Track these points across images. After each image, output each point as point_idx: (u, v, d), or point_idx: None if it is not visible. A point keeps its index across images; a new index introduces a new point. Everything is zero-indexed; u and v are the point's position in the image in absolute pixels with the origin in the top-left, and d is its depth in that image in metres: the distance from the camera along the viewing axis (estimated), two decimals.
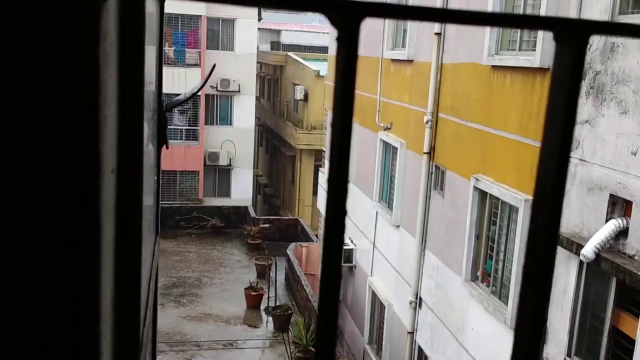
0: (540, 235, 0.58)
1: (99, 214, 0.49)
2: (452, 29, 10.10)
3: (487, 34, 8.71)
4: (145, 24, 0.77)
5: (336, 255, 0.53)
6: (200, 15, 25.66)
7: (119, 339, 0.71)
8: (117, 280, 0.69)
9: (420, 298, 11.11)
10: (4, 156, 0.49)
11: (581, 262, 6.61)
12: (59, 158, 0.47)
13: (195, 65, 25.83)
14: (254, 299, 18.02)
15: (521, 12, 8.20)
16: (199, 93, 25.61)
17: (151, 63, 1.51)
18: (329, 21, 0.54)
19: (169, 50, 25.52)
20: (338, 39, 0.55)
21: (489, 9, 8.66)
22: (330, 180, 0.58)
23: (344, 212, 0.55)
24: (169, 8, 25.76)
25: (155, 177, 1.76)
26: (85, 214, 0.50)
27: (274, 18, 44.77)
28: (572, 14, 6.89)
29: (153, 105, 1.60)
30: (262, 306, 18.09)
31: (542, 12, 7.45)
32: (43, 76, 0.46)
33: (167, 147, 1.83)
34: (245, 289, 18.25)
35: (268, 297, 17.95)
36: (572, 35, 0.56)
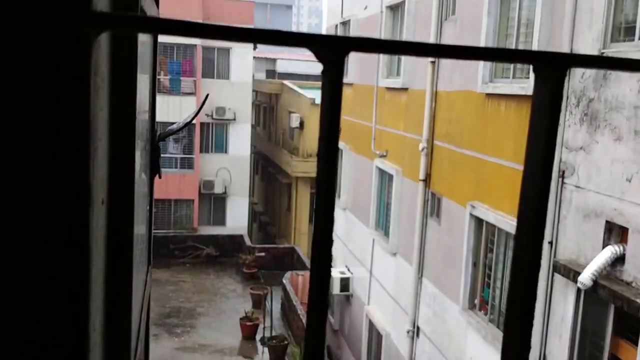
0: (525, 256, 0.59)
1: (88, 244, 0.50)
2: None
3: (481, 62, 8.81)
4: (137, 58, 0.78)
5: (323, 289, 0.53)
6: (196, 45, 25.90)
7: None
8: (108, 310, 0.69)
9: (418, 327, 11.02)
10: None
11: (579, 290, 6.58)
12: (49, 189, 0.48)
13: (191, 93, 25.97)
14: (249, 330, 17.83)
15: (514, 39, 8.31)
16: (194, 121, 25.71)
17: (144, 92, 1.53)
18: (315, 55, 0.55)
19: (164, 79, 25.69)
20: (323, 72, 0.56)
21: (482, 37, 8.79)
22: (317, 211, 0.58)
23: (330, 240, 0.56)
24: (164, 37, 26.08)
25: (148, 207, 1.76)
26: (74, 245, 0.50)
27: (270, 47, 45.22)
28: (565, 41, 6.99)
29: (146, 135, 1.61)
30: (258, 337, 17.88)
31: (535, 40, 7.56)
32: (34, 108, 0.47)
33: (159, 177, 1.83)
34: (240, 319, 18.06)
35: (264, 327, 17.75)
36: (551, 68, 0.57)
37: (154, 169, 1.74)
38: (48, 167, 0.50)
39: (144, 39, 1.44)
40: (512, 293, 0.59)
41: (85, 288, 0.51)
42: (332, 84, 0.55)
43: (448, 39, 10.12)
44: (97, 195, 0.58)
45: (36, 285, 0.49)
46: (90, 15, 0.47)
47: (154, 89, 1.83)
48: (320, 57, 0.55)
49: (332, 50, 0.54)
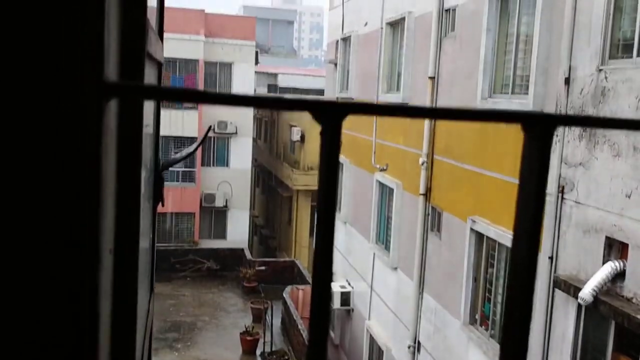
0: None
1: (97, 299, 0.52)
2: (446, 73, 10.28)
3: (480, 77, 8.87)
4: (143, 119, 0.81)
5: (324, 305, 0.56)
6: (198, 60, 26.04)
7: None
8: (113, 352, 0.71)
9: (419, 342, 10.98)
10: (4, 243, 0.51)
11: (579, 305, 6.58)
12: (60, 247, 0.50)
13: (193, 108, 26.07)
14: (249, 344, 17.76)
15: (513, 55, 8.36)
16: (196, 134, 25.77)
17: (149, 125, 1.56)
18: (314, 118, 0.58)
19: None
20: (321, 133, 0.59)
21: (482, 53, 8.84)
22: (315, 268, 0.61)
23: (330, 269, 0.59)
24: (166, 52, 26.16)
25: (151, 235, 1.79)
26: (83, 295, 0.52)
27: (271, 62, 45.46)
28: (563, 58, 7.04)
29: (150, 165, 1.64)
30: (258, 351, 17.81)
31: (534, 56, 7.61)
32: (47, 173, 0.49)
33: (162, 205, 1.86)
34: (240, 333, 18.00)
35: (264, 342, 17.69)
36: (538, 128, 0.60)
37: (157, 198, 1.76)
38: (58, 219, 0.52)
39: (146, 66, 1.47)
40: (509, 306, 0.61)
41: (94, 340, 0.53)
42: (330, 144, 0.58)
43: (447, 56, 10.19)
44: (105, 246, 0.60)
45: (43, 343, 0.51)
46: (102, 85, 0.49)
47: (159, 116, 1.86)
48: (319, 120, 0.58)
49: (331, 114, 0.57)
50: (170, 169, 26.40)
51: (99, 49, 0.50)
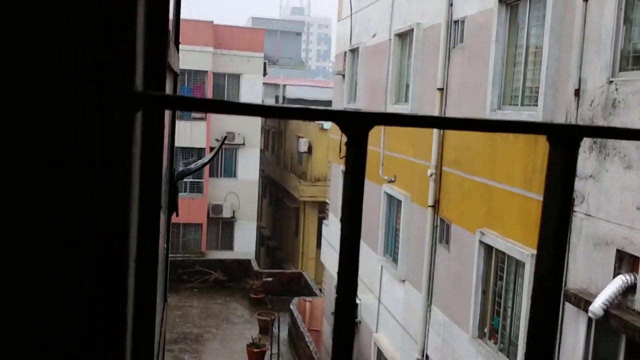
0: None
1: (125, 310, 0.52)
2: (454, 84, 10.28)
3: (490, 88, 8.87)
4: (164, 130, 0.82)
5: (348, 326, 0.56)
6: (207, 71, 26.19)
7: None
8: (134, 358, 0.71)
9: (427, 355, 10.90)
10: (35, 252, 0.52)
11: (590, 319, 6.52)
12: (91, 256, 0.51)
13: (201, 119, 26.19)
14: (256, 356, 17.69)
15: (522, 67, 8.36)
16: (204, 146, 25.86)
17: (166, 131, 1.56)
18: (341, 129, 0.58)
19: None
20: (347, 144, 0.59)
21: (490, 65, 8.84)
22: (340, 272, 0.60)
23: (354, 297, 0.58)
24: None
25: (165, 245, 1.79)
26: (115, 301, 0.52)
27: (279, 73, 45.64)
28: (573, 70, 7.02)
29: (166, 176, 1.65)
30: None
31: (543, 68, 7.60)
32: (80, 183, 0.50)
33: (177, 215, 1.87)
34: (247, 345, 17.94)
35: (271, 354, 17.62)
36: (564, 139, 0.60)
37: (172, 207, 1.77)
38: (93, 229, 0.52)
39: (169, 80, 1.48)
40: (532, 325, 0.61)
41: (121, 345, 0.53)
42: (357, 155, 0.58)
43: (456, 67, 10.19)
44: (131, 254, 0.60)
45: (76, 341, 0.51)
46: (133, 96, 0.50)
47: (174, 127, 1.87)
48: (345, 130, 0.58)
49: (358, 124, 0.57)
50: None
51: (131, 60, 0.50)
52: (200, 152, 26.26)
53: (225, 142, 26.87)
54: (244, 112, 0.51)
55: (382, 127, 11.56)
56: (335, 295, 0.56)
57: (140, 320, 0.70)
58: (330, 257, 17.71)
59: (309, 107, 0.56)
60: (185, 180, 26.63)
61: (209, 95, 26.31)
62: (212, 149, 26.74)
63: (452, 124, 0.57)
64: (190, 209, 26.46)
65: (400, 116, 0.56)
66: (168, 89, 1.35)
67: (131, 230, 0.56)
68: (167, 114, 1.53)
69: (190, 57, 25.41)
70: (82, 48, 0.48)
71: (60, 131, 0.48)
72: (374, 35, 14.32)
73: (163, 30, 0.82)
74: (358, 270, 0.56)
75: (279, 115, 0.54)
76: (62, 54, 0.48)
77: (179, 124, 25.42)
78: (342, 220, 0.59)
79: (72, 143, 0.48)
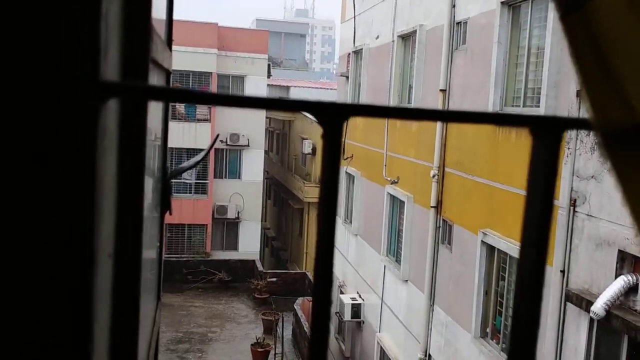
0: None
1: (91, 308, 0.51)
2: (457, 85, 10.26)
3: (492, 89, 8.85)
4: (146, 123, 0.81)
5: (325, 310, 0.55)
6: (211, 72, 26.22)
7: None
8: (112, 357, 0.70)
9: (430, 355, 10.89)
10: None
11: (591, 320, 6.50)
12: (52, 249, 0.50)
13: (206, 120, 26.22)
14: (260, 356, 17.70)
15: (524, 68, 8.34)
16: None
17: (157, 134, 1.56)
18: (317, 120, 0.57)
19: (179, 106, 25.95)
20: (323, 136, 0.58)
21: (493, 66, 8.82)
22: (316, 271, 0.60)
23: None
24: (180, 65, 26.21)
25: (158, 244, 1.79)
26: (77, 296, 0.51)
27: (283, 75, 45.68)
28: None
29: (158, 173, 1.64)
30: None
31: (545, 69, 7.58)
32: (40, 175, 0.49)
33: (170, 214, 1.86)
34: (251, 345, 17.95)
35: (275, 354, 17.63)
36: (547, 131, 0.59)
37: (165, 206, 1.77)
38: (52, 224, 0.52)
39: (155, 74, 1.47)
40: (516, 316, 0.60)
41: (87, 341, 0.52)
42: (332, 146, 0.57)
43: (458, 68, 10.18)
44: (103, 251, 0.59)
45: (38, 343, 0.50)
46: (98, 85, 0.49)
47: (167, 125, 1.87)
48: (321, 122, 0.57)
49: (333, 115, 0.57)
50: (183, 180, 26.54)
51: (94, 48, 0.49)
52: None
53: (230, 143, 26.89)
54: (214, 102, 0.50)
55: (385, 129, 11.53)
56: (313, 284, 0.55)
57: (122, 317, 0.69)
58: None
59: (283, 98, 0.55)
60: (189, 181, 26.67)
61: None
62: (216, 149, 26.78)
63: (429, 115, 0.57)
64: (195, 209, 26.49)
65: (375, 107, 0.55)
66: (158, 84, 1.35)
67: (102, 224, 0.55)
68: (157, 109, 1.53)
69: (194, 58, 25.46)
70: (40, 35, 0.47)
71: (14, 120, 0.48)
72: (377, 37, 14.32)
73: (144, 23, 0.81)
74: (333, 264, 0.55)
75: (251, 105, 0.53)
76: (21, 40, 0.47)
77: (184, 126, 25.50)
78: (318, 210, 0.58)
79: (26, 133, 0.47)
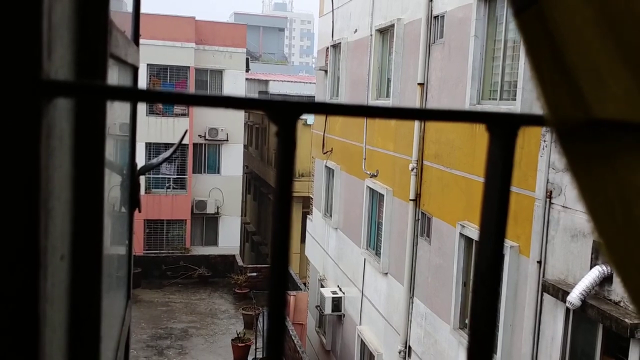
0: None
1: (37, 302, 0.50)
2: (435, 79, 10.31)
3: (469, 82, 8.90)
4: (105, 121, 0.79)
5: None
6: (189, 66, 26.02)
7: None
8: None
9: (410, 347, 10.97)
10: None
11: (568, 310, 6.59)
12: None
13: (183, 115, 26.02)
14: (241, 351, 17.68)
15: (501, 61, 8.40)
16: (187, 142, 25.72)
17: (124, 130, 1.54)
18: (269, 118, 0.57)
19: None
20: (277, 134, 0.57)
21: (470, 59, 8.87)
22: (272, 270, 0.59)
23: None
24: (157, 59, 25.92)
25: (127, 241, 1.76)
26: (24, 303, 0.50)
27: (262, 69, 45.49)
28: None
29: (126, 169, 1.61)
30: (250, 358, 17.74)
31: (521, 62, 7.64)
32: None
33: (139, 211, 1.84)
34: (232, 340, 17.93)
35: (256, 348, 17.63)
36: (503, 128, 0.59)
37: (133, 203, 1.74)
38: None
39: (120, 70, 1.45)
40: (474, 302, 0.60)
41: (35, 343, 0.50)
42: (285, 144, 0.56)
43: (436, 62, 10.22)
44: (54, 252, 0.58)
45: None
46: (39, 84, 0.48)
47: (135, 119, 1.84)
48: (274, 120, 0.56)
49: (284, 113, 0.56)
50: (162, 176, 26.34)
51: (34, 45, 0.48)
52: (183, 147, 26.09)
53: (209, 137, 26.74)
54: (164, 100, 0.49)
55: (364, 123, 11.52)
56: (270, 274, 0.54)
57: (81, 320, 0.68)
58: (315, 252, 17.72)
59: (235, 95, 0.54)
60: (168, 176, 26.48)
61: (192, 90, 26.14)
62: (195, 144, 26.61)
63: (382, 112, 0.56)
64: (174, 205, 26.33)
65: (326, 105, 0.55)
66: (122, 82, 1.32)
67: (52, 227, 0.54)
68: (125, 105, 1.50)
69: (172, 52, 25.24)
70: None
71: None
72: (355, 31, 14.31)
73: (100, 18, 0.79)
74: (288, 272, 0.55)
75: (203, 103, 0.52)
76: None
77: (162, 120, 25.29)
78: (273, 206, 0.57)
79: None
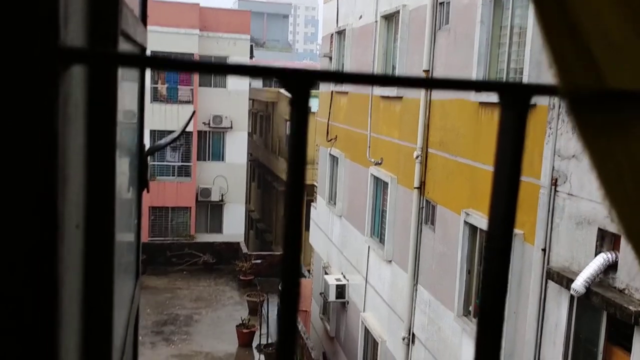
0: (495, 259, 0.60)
1: (56, 269, 0.51)
2: (440, 65, 10.26)
3: (475, 69, 8.86)
4: (117, 81, 0.80)
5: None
6: (193, 54, 25.96)
7: None
8: (86, 333, 0.70)
9: (413, 334, 11.01)
10: None
11: (572, 297, 6.60)
12: (14, 220, 0.49)
13: (188, 102, 26.01)
14: (245, 337, 17.80)
15: (507, 47, 8.35)
16: (191, 130, 25.73)
17: (133, 109, 1.54)
18: (284, 87, 0.57)
19: (162, 88, 25.73)
20: (291, 103, 0.58)
21: (475, 46, 8.83)
22: (285, 236, 0.60)
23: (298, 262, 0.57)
24: (161, 46, 25.93)
25: (136, 220, 1.77)
26: (41, 270, 0.51)
27: (266, 56, 45.35)
28: None
29: (134, 149, 1.62)
30: (254, 344, 17.85)
31: (527, 48, 7.60)
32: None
33: (147, 191, 1.85)
34: (237, 326, 18.04)
35: (260, 335, 17.73)
36: (515, 98, 0.59)
37: (142, 183, 1.75)
38: (13, 193, 0.51)
39: (128, 50, 1.45)
40: (485, 286, 0.61)
41: (54, 309, 0.51)
42: (299, 113, 0.57)
43: (441, 48, 10.17)
44: (70, 221, 0.59)
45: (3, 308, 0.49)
46: (57, 51, 0.48)
47: (143, 101, 1.85)
48: (287, 89, 0.57)
49: (299, 81, 0.56)
50: (166, 163, 26.37)
51: (52, 12, 0.48)
52: (187, 135, 26.10)
53: (213, 125, 26.72)
54: (177, 68, 0.49)
55: (368, 110, 11.48)
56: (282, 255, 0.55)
57: (93, 288, 0.69)
58: (319, 240, 17.76)
59: (246, 64, 0.54)
60: (173, 164, 26.52)
61: (196, 78, 26.11)
62: (199, 132, 26.61)
63: (395, 81, 0.56)
64: (179, 192, 26.39)
65: (340, 74, 0.55)
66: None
67: (67, 194, 0.55)
68: (133, 86, 1.51)
69: (176, 40, 25.18)
70: None
71: None
72: (360, 17, 14.24)
73: None
74: (300, 252, 0.55)
75: (215, 71, 0.52)
76: None
77: (166, 108, 25.29)
78: (287, 179, 0.58)
79: None
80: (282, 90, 30.06)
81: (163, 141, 2.60)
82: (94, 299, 0.71)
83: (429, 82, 0.59)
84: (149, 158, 1.90)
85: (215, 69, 0.55)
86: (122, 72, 1.03)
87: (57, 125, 0.48)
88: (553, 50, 0.54)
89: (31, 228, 0.49)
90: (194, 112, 3.56)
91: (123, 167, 1.27)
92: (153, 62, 0.46)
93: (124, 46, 1.01)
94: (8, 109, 0.47)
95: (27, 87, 0.47)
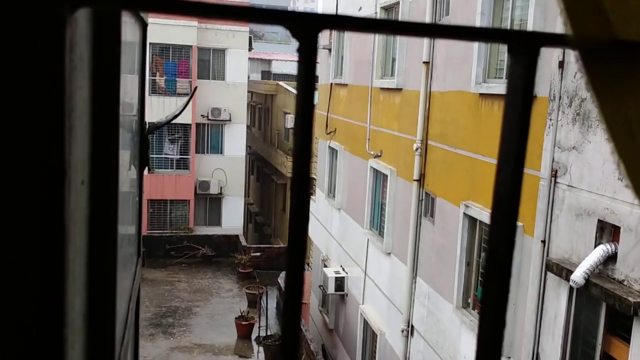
0: (499, 242, 0.59)
1: (64, 222, 0.50)
2: (439, 58, 10.24)
3: (475, 62, 8.84)
4: (120, 39, 0.79)
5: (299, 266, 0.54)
6: (192, 46, 25.89)
7: (91, 352, 0.71)
8: (90, 288, 0.69)
9: (412, 326, 11.04)
10: None
11: (571, 288, 6.61)
12: (21, 166, 0.49)
13: (186, 94, 25.94)
14: (244, 329, 17.83)
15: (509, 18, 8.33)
16: (190, 122, 25.68)
17: (133, 87, 1.53)
18: (290, 32, 0.56)
19: (160, 80, 25.65)
20: (298, 50, 0.57)
21: (475, 46, 8.79)
22: (293, 190, 0.59)
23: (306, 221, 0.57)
24: (160, 38, 25.81)
25: (138, 198, 1.77)
26: (49, 221, 0.50)
27: (265, 48, 45.23)
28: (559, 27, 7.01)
29: (135, 128, 1.62)
30: (253, 336, 17.88)
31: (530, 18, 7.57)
32: (4, 87, 0.47)
33: (149, 170, 1.84)
34: (236, 318, 18.07)
35: (259, 327, 17.76)
36: (524, 47, 0.58)
37: (144, 160, 1.75)
38: (20, 142, 0.50)
39: (131, 38, 1.44)
40: (487, 278, 0.60)
41: (60, 265, 0.51)
42: (306, 60, 0.56)
43: (441, 40, 10.13)
44: (76, 174, 0.58)
45: (10, 261, 0.49)
46: None
47: (143, 84, 1.84)
48: (294, 35, 0.56)
49: (307, 27, 0.55)
50: (165, 156, 26.33)
51: None
52: (186, 127, 26.08)
53: (212, 118, 26.68)
54: (177, 10, 0.48)
55: (368, 103, 11.45)
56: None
57: (98, 241, 0.68)
58: (318, 232, 17.76)
59: (253, 7, 0.53)
60: (171, 156, 26.48)
61: (194, 70, 26.04)
62: (197, 124, 26.57)
63: (405, 28, 0.55)
64: (177, 185, 26.37)
65: (349, 18, 0.54)
66: (134, 37, 1.32)
67: (72, 146, 0.54)
68: (135, 75, 1.50)
69: (174, 31, 25.10)
70: None
71: None
72: (360, 9, 14.20)
73: None
74: (309, 205, 0.55)
75: (218, 15, 0.51)
76: None
77: (165, 100, 25.22)
78: (294, 133, 0.57)
79: None
80: (281, 83, 29.91)
81: (164, 118, 2.59)
82: (99, 256, 0.71)
83: (435, 28, 0.59)
84: (149, 137, 1.90)
85: (219, 12, 0.53)
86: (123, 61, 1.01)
87: (64, 69, 0.47)
88: (566, 2, 0.54)
89: (39, 175, 0.48)
90: (195, 88, 3.54)
91: (126, 143, 1.26)
92: (155, 4, 0.45)
93: (126, 22, 1.00)
94: (15, 51, 0.46)
95: (34, 29, 0.46)
